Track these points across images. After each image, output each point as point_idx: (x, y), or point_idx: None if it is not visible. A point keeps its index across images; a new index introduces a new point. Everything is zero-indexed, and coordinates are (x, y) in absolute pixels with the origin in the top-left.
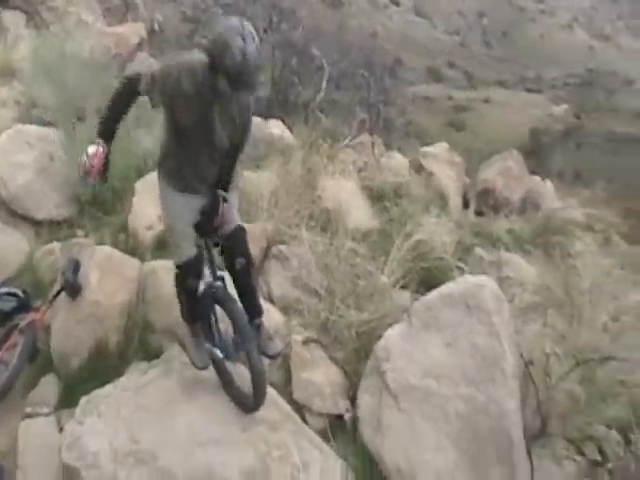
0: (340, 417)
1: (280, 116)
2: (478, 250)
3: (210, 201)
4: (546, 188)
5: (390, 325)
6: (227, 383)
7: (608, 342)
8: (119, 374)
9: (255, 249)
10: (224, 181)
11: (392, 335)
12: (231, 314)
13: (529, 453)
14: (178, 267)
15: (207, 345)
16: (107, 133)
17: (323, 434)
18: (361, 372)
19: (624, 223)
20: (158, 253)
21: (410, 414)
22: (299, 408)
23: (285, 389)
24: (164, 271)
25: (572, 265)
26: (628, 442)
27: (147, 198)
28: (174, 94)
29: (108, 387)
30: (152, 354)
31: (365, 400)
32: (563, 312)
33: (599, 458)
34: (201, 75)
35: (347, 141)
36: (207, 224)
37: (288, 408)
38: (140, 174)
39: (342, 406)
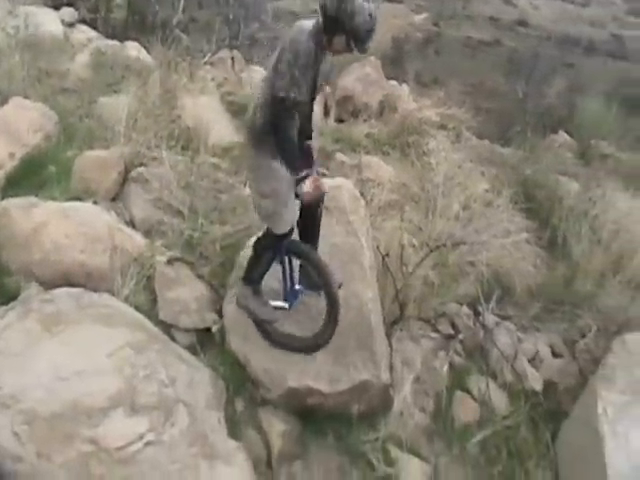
0: (208, 330)
1: (136, 37)
2: (339, 155)
3: (304, 155)
4: (403, 92)
5: (254, 235)
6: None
7: (460, 229)
8: None
9: (112, 174)
10: (307, 132)
11: (251, 243)
12: (313, 262)
13: (389, 337)
14: (276, 235)
15: (270, 301)
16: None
17: (192, 349)
18: (228, 285)
19: (474, 120)
20: (9, 192)
21: None
22: (166, 327)
23: (151, 311)
24: (17, 210)
25: (427, 162)
26: (477, 314)
27: None
28: (307, 69)
29: None
30: (9, 297)
31: (231, 310)
32: (419, 206)
33: (452, 332)
34: (315, 38)
35: (207, 58)
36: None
37: (155, 329)
38: None
39: (209, 319)
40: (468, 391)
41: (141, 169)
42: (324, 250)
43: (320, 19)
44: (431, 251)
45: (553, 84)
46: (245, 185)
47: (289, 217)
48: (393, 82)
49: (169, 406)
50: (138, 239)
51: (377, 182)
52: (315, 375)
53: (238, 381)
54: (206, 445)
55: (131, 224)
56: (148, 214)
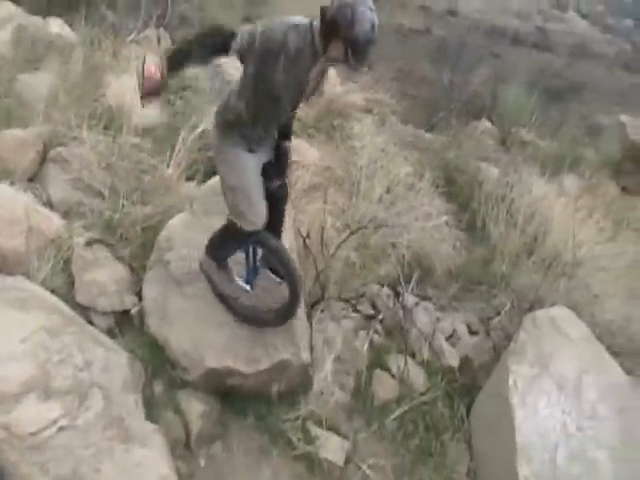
0: (127, 313)
1: (60, 14)
2: None
3: (277, 154)
4: (330, 76)
5: (175, 216)
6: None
7: (382, 211)
8: None
9: (30, 154)
10: (287, 132)
11: (174, 224)
12: (277, 254)
13: (310, 318)
14: (243, 232)
15: (235, 279)
16: (175, 64)
17: (110, 332)
18: (148, 266)
19: (400, 105)
20: None
21: (194, 298)
22: (84, 311)
23: (68, 294)
24: None
25: (351, 145)
26: (397, 295)
27: None
28: (274, 52)
29: None
30: None
31: (150, 291)
32: (343, 189)
33: (372, 312)
34: (303, 37)
35: (132, 36)
36: (273, 178)
37: (71, 312)
38: None
39: (129, 302)
40: (387, 369)
41: (60, 149)
42: None
43: (318, 22)
44: (352, 233)
45: (478, 73)
46: (168, 166)
47: (256, 217)
48: None
49: (84, 390)
50: (56, 221)
51: (302, 164)
52: (234, 355)
53: (157, 363)
54: (122, 428)
55: (49, 205)
56: (67, 195)
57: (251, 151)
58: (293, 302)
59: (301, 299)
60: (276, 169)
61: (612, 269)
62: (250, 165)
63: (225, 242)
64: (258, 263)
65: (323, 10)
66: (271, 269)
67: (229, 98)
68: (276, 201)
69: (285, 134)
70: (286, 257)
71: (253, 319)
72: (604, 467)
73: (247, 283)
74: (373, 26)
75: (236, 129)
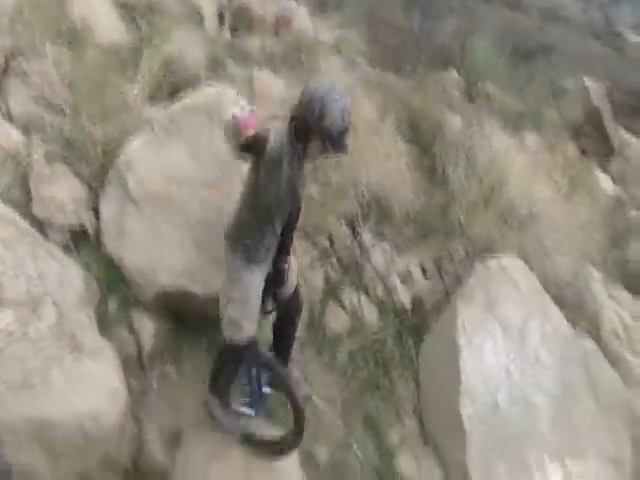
0: (84, 230)
1: None
2: (231, 66)
3: (276, 269)
4: (301, 12)
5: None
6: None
7: None
8: None
9: None
10: (287, 245)
11: (134, 145)
12: (280, 378)
13: None
14: (237, 349)
15: (236, 409)
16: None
17: (66, 248)
18: (106, 184)
19: (369, 48)
20: None
21: (152, 219)
22: (40, 225)
23: (25, 207)
24: None
25: (317, 81)
26: (355, 233)
27: None
28: (281, 158)
29: None
30: None
31: (107, 209)
32: None
33: (330, 247)
34: (288, 140)
35: None
36: (276, 286)
37: (26, 225)
38: None
39: (85, 219)
40: (341, 304)
41: (22, 63)
42: (206, 156)
43: (292, 129)
44: (314, 168)
45: (449, 24)
46: (134, 89)
47: (249, 329)
48: (292, 2)
49: (36, 301)
50: (15, 135)
51: (265, 96)
52: (191, 278)
53: (112, 281)
54: (73, 340)
55: (8, 117)
56: (28, 110)
57: (258, 264)
58: (298, 431)
59: (305, 426)
60: (276, 279)
61: (565, 227)
62: (255, 283)
63: (224, 366)
64: (265, 389)
65: (293, 113)
66: (274, 385)
67: (235, 214)
68: (288, 312)
69: (285, 250)
70: (289, 381)
71: (261, 451)
72: (543, 412)
73: (251, 407)
74: (343, 115)
75: (244, 243)
